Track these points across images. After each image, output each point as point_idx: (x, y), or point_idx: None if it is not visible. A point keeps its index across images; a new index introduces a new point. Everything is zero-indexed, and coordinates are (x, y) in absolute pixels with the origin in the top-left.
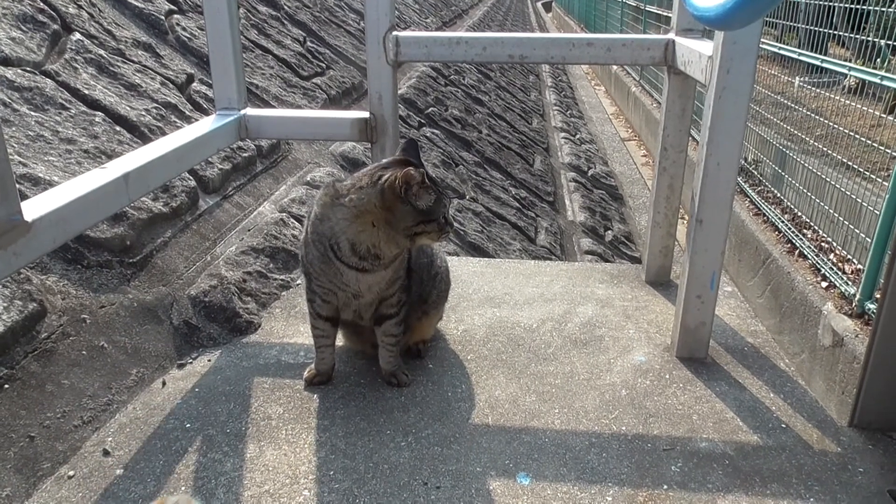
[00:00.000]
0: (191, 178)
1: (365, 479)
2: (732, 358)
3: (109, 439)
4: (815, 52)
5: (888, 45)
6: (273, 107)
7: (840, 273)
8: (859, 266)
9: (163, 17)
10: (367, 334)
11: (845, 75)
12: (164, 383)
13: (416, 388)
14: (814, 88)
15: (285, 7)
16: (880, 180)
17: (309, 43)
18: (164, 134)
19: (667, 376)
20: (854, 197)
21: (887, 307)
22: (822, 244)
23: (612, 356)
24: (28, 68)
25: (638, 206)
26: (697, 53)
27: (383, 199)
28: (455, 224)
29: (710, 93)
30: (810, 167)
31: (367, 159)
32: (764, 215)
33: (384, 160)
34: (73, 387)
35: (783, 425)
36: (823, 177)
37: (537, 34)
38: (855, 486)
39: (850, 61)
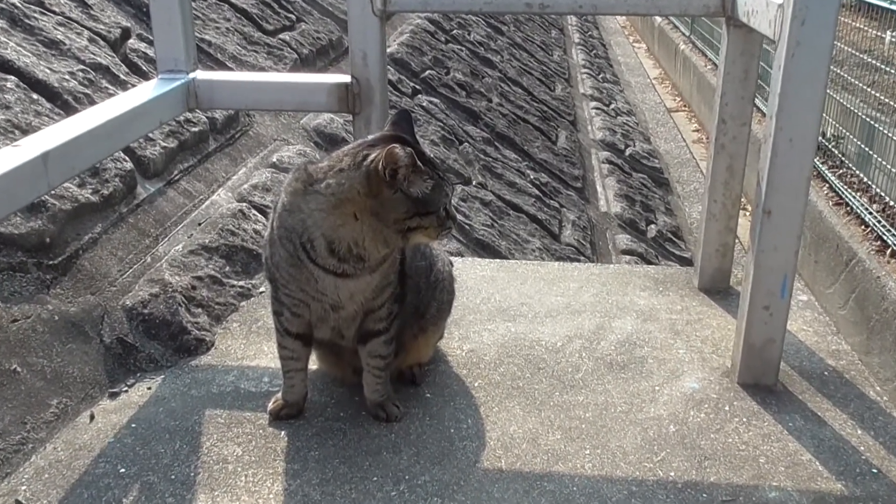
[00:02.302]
0: (126, 158)
1: None
2: (809, 385)
3: (23, 488)
4: None
5: None
6: (230, 69)
7: None
8: None
9: None
10: (349, 356)
11: None
12: (92, 417)
13: (409, 424)
14: None
15: None
16: None
17: None
18: (92, 103)
19: (726, 408)
20: None
21: None
22: None
23: (656, 383)
24: None
25: (688, 193)
26: (764, 1)
27: (369, 184)
28: (458, 216)
29: (781, 51)
30: None
31: (349, 135)
32: (847, 205)
33: (371, 136)
34: None
35: (874, 470)
36: None
37: None
38: None
39: None
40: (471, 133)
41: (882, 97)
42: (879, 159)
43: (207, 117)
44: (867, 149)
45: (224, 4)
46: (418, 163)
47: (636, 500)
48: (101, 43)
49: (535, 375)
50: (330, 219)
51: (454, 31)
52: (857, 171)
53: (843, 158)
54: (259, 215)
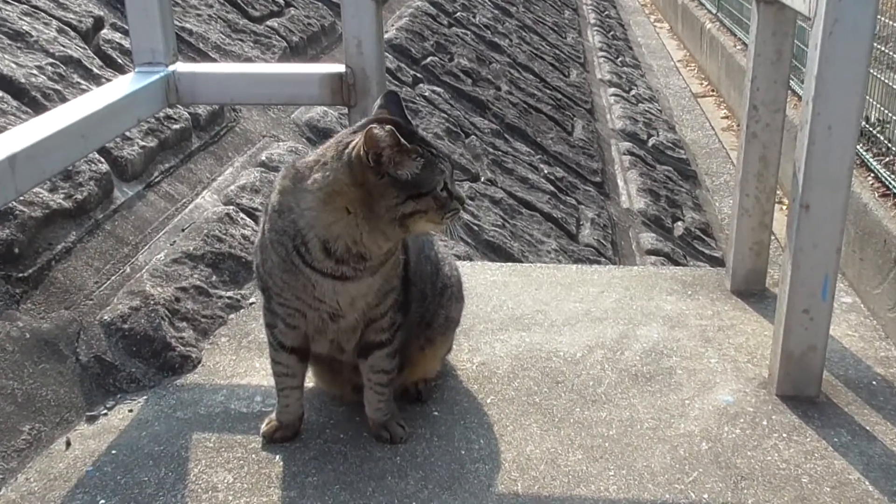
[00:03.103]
0: (102, 160)
1: None
2: (855, 396)
3: None
4: None
5: None
6: (214, 60)
7: None
8: None
9: None
10: (348, 372)
11: None
12: (68, 443)
13: (416, 445)
14: None
15: None
16: None
17: None
18: (63, 100)
19: (764, 423)
20: None
21: None
22: None
23: (686, 395)
24: None
25: (718, 186)
26: None
27: (352, 173)
28: (466, 217)
29: (817, 28)
30: None
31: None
32: (895, 196)
33: (357, 123)
34: None
35: None
36: None
37: None
38: None
39: None
40: (478, 125)
41: None
42: None
43: (189, 113)
44: None
45: None
46: (402, 141)
47: None
48: (72, 34)
49: (552, 390)
50: (322, 216)
51: (458, 14)
52: None
53: (889, 145)
54: (248, 219)
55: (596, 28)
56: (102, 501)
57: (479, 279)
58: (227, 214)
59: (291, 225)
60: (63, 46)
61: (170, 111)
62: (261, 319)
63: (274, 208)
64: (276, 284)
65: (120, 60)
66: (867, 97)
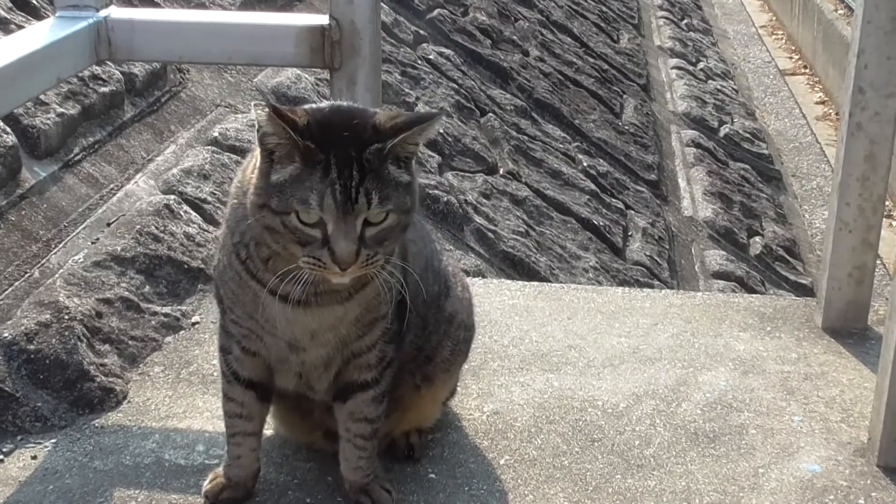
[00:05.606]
0: (8, 130)
1: None
2: None
3: None
4: None
5: None
6: (157, 5)
7: None
8: None
9: None
10: (320, 415)
11: None
12: None
13: None
14: None
15: None
16: None
17: None
18: None
19: (860, 501)
20: None
21: None
22: None
23: (761, 463)
24: None
25: (809, 192)
26: None
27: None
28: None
29: None
30: None
31: (323, 100)
32: None
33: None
34: None
35: None
36: None
37: None
38: None
39: None
40: (498, 99)
41: None
42: None
43: (123, 73)
44: None
45: None
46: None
47: None
48: None
49: (586, 450)
50: None
51: None
52: None
53: None
54: (193, 213)
55: None
56: None
57: (494, 302)
58: (167, 206)
59: (238, 221)
60: None
61: (98, 69)
62: (205, 345)
63: (233, 195)
64: (227, 296)
65: (35, 2)
66: None
